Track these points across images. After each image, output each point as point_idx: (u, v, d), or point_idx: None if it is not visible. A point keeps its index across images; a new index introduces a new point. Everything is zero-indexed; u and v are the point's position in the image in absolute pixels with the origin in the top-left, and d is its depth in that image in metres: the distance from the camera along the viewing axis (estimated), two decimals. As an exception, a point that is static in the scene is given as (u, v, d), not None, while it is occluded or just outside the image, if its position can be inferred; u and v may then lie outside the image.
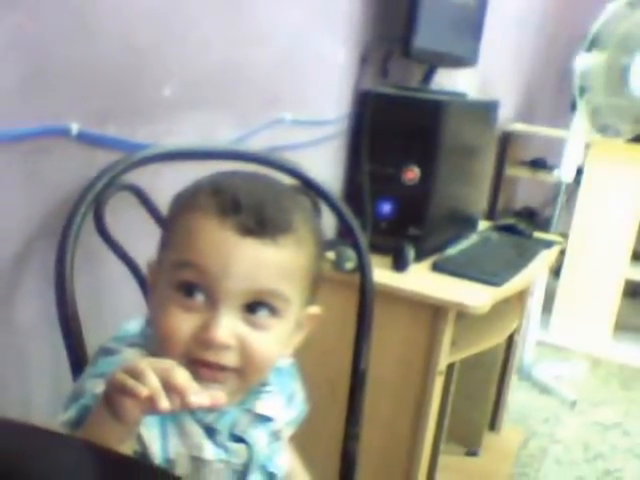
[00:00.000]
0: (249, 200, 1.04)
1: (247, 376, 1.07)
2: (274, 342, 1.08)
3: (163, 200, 1.64)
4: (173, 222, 1.09)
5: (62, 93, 1.45)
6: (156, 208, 1.63)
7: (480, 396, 3.14)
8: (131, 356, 1.04)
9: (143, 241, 1.60)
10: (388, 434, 2.32)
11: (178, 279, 1.04)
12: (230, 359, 1.04)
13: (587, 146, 4.10)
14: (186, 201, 1.09)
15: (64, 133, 1.45)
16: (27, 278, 1.45)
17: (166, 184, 1.70)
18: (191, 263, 1.03)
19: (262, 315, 1.05)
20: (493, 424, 3.34)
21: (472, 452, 3.15)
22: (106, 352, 1.07)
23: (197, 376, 1.02)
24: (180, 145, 1.70)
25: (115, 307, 1.68)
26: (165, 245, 1.10)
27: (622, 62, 3.64)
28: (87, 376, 1.04)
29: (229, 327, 1.02)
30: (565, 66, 3.77)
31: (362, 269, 1.68)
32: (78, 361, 1.33)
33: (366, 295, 1.68)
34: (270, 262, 1.03)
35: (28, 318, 1.47)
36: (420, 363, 2.23)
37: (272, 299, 1.05)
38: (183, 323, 1.02)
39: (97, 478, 0.83)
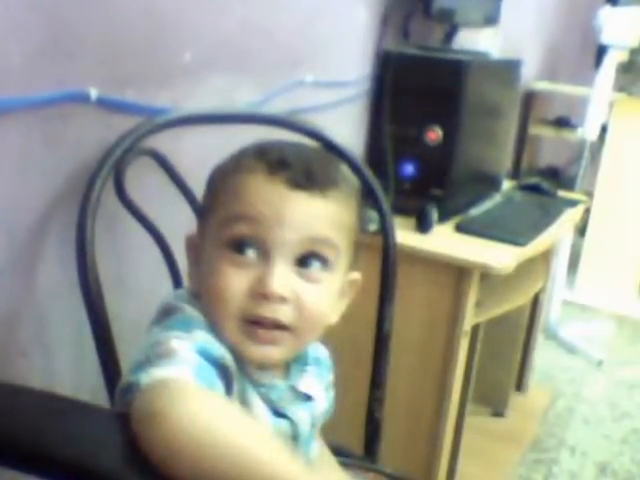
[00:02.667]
0: (296, 158, 1.05)
1: (301, 335, 1.07)
2: (326, 296, 1.08)
3: (184, 165, 1.64)
4: (217, 187, 1.09)
5: (81, 58, 1.44)
6: (177, 173, 1.63)
7: (506, 357, 3.14)
8: (192, 312, 1.04)
9: (164, 206, 1.60)
10: (414, 396, 2.32)
11: (228, 235, 1.03)
12: (286, 314, 1.04)
13: (611, 103, 4.06)
14: (230, 166, 1.09)
15: (83, 98, 1.44)
16: (48, 245, 1.45)
17: (187, 149, 1.70)
18: (242, 215, 1.03)
19: (314, 268, 1.05)
20: (519, 384, 3.34)
21: (498, 412, 3.15)
22: (169, 311, 1.06)
23: (254, 338, 1.03)
24: (200, 109, 1.69)
25: (137, 272, 1.68)
26: (209, 210, 1.09)
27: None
28: (163, 336, 0.98)
29: (284, 279, 1.02)
30: (588, 22, 3.73)
31: (385, 231, 1.68)
32: (100, 327, 1.33)
33: (389, 257, 1.67)
34: (321, 212, 1.04)
35: (49, 285, 1.47)
36: (445, 324, 2.22)
37: (324, 249, 1.05)
38: (236, 280, 1.02)
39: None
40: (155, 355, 0.92)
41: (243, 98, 1.92)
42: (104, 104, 1.49)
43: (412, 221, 2.31)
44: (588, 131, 3.84)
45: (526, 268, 2.37)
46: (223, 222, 1.04)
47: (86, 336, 1.34)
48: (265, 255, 1.02)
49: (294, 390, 1.15)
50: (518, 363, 3.24)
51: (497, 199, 2.80)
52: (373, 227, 1.84)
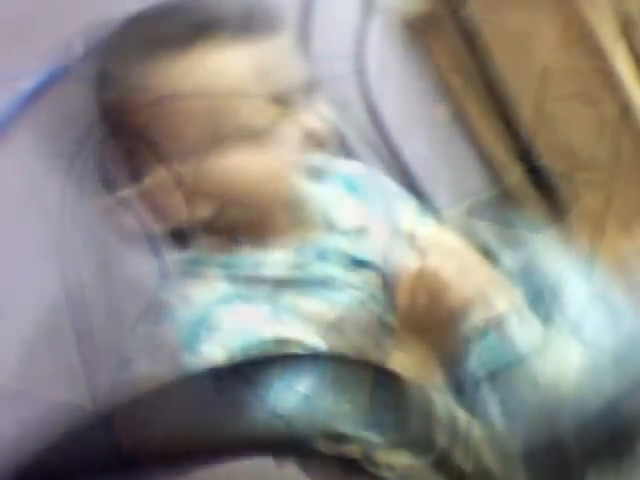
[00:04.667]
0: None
1: None
2: None
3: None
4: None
5: (62, 32, 1.43)
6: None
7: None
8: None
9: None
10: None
11: None
12: None
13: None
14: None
15: (64, 74, 1.44)
16: (25, 234, 1.45)
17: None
18: None
19: None
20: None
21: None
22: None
23: None
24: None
25: (122, 261, 1.67)
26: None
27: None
28: None
29: None
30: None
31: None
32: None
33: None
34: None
35: (26, 277, 1.47)
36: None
37: None
38: None
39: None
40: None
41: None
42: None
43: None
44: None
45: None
46: None
47: (66, 331, 1.35)
48: None
49: None
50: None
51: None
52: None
